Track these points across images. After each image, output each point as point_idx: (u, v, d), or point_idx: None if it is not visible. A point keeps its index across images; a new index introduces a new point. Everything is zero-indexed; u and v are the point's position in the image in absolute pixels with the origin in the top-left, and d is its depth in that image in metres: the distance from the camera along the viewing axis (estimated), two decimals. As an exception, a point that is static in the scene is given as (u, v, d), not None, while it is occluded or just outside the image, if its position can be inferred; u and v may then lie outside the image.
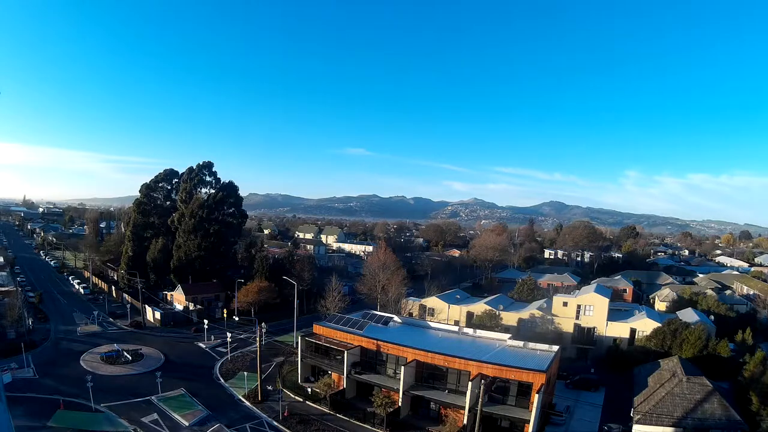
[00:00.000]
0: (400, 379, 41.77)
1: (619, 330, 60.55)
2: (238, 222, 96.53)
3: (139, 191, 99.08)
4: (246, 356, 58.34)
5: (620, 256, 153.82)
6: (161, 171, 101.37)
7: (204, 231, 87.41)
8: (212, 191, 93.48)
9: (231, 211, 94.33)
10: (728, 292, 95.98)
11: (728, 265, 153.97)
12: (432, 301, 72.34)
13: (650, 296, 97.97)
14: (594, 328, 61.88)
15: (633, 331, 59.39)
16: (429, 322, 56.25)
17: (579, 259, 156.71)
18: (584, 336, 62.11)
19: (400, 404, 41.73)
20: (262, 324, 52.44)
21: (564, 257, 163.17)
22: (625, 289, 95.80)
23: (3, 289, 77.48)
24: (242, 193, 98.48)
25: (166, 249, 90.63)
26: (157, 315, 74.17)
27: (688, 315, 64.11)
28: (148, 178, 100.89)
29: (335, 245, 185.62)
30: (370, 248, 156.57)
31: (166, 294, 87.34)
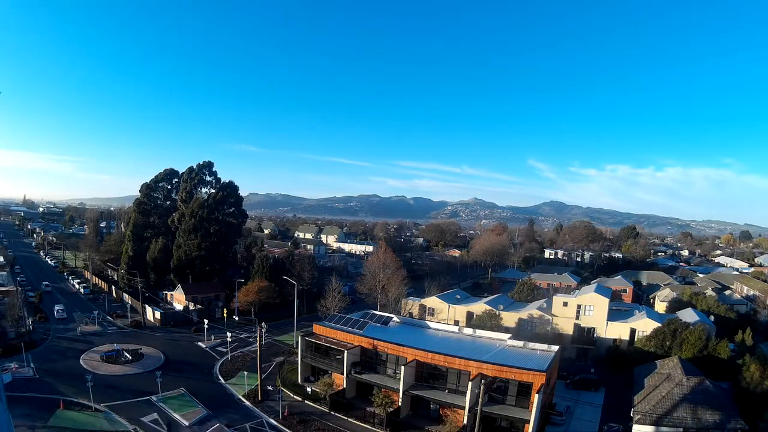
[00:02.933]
0: (400, 379, 41.78)
1: (619, 330, 60.52)
2: (239, 222, 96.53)
3: (140, 191, 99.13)
4: (246, 356, 58.36)
5: (620, 256, 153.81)
6: (161, 171, 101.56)
7: (204, 231, 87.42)
8: (212, 191, 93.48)
9: (231, 210, 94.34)
10: (728, 292, 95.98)
11: (728, 265, 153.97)
12: (432, 301, 72.34)
13: (650, 296, 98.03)
14: (594, 328, 61.85)
15: (633, 332, 59.36)
16: (429, 322, 56.26)
17: (579, 259, 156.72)
18: (584, 336, 62.08)
19: (400, 404, 41.76)
20: (262, 324, 52.41)
21: (564, 257, 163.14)
22: (625, 289, 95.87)
23: (3, 288, 77.61)
24: (242, 192, 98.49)
25: (166, 249, 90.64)
26: (157, 315, 74.17)
27: (688, 315, 64.06)
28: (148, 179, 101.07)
29: (335, 245, 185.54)
30: (370, 248, 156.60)
31: (166, 294, 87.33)
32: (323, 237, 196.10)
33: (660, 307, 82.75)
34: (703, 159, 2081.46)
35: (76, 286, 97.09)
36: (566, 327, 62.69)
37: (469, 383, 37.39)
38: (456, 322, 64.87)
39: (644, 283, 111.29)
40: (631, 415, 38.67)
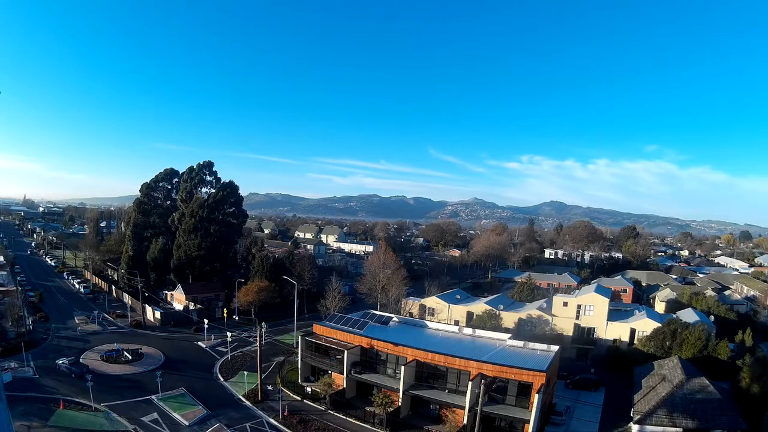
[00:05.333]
0: (400, 378, 41.80)
1: (619, 330, 60.55)
2: (239, 222, 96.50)
3: (140, 191, 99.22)
4: (246, 356, 58.38)
5: (620, 256, 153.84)
6: (161, 170, 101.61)
7: (204, 230, 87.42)
8: (213, 191, 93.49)
9: (231, 210, 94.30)
10: (728, 292, 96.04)
11: (728, 265, 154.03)
12: (432, 301, 72.33)
13: (650, 296, 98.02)
14: (594, 328, 61.88)
15: (633, 332, 59.40)
16: (429, 322, 56.29)
17: (579, 259, 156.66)
18: (584, 336, 62.11)
19: (400, 404, 41.78)
20: (262, 324, 52.45)
21: (564, 257, 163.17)
22: (625, 289, 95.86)
23: (3, 288, 77.62)
24: (242, 192, 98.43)
25: (166, 248, 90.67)
26: (158, 314, 74.18)
27: (688, 315, 64.12)
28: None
29: (335, 245, 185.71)
30: (370, 248, 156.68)
31: (166, 293, 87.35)
32: (323, 237, 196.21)
33: (660, 307, 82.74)
34: (625, 150, 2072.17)
35: (76, 285, 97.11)
36: (566, 327, 62.70)
37: (469, 383, 37.41)
38: (456, 322, 64.85)
39: (644, 283, 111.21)
40: (631, 415, 38.71)
